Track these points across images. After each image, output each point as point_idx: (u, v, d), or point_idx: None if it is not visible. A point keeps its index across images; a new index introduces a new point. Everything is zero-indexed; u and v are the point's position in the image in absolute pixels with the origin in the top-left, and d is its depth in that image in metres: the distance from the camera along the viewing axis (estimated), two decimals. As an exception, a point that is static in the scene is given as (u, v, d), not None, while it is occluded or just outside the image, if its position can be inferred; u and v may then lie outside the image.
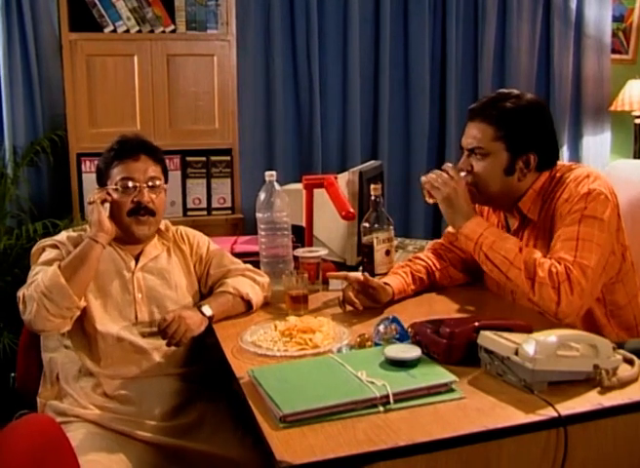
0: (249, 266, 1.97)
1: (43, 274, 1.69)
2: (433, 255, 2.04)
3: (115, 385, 1.74)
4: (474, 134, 1.82)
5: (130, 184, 1.81)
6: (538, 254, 1.69)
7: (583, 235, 1.67)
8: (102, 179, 1.86)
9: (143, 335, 1.79)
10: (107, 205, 1.79)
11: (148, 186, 1.83)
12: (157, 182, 1.85)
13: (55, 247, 1.82)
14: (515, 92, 1.85)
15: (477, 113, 1.83)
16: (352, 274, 1.89)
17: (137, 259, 1.87)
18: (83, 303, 1.72)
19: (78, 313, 1.72)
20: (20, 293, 1.71)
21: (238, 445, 1.67)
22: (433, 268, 2.00)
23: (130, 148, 1.84)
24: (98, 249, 1.73)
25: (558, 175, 1.82)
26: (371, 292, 1.83)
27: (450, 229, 2.04)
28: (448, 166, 1.86)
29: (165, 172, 1.92)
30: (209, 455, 1.65)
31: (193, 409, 1.75)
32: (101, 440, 1.63)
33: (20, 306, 1.70)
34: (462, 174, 1.85)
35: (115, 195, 1.81)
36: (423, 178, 1.88)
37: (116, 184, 1.81)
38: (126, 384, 1.74)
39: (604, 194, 1.72)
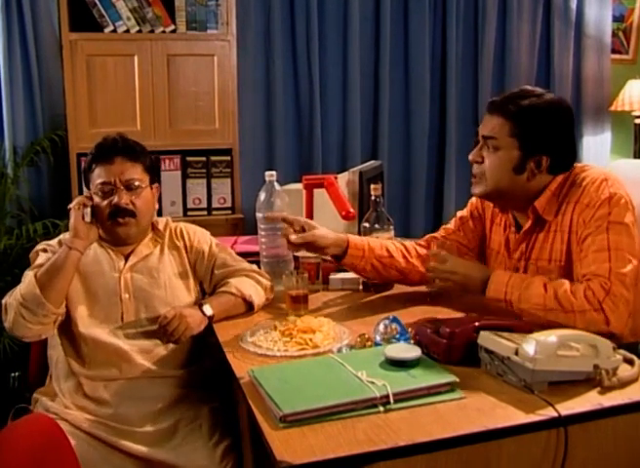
0: (254, 267, 1.97)
1: (22, 282, 1.72)
2: (422, 245, 1.98)
3: (94, 387, 1.74)
4: (491, 125, 1.77)
5: (107, 188, 1.81)
6: (565, 284, 1.63)
7: (614, 243, 1.63)
8: (87, 183, 1.88)
9: (128, 337, 1.79)
10: (88, 210, 1.79)
11: (126, 188, 1.82)
12: (135, 183, 1.83)
13: (45, 251, 1.83)
14: (539, 90, 1.81)
15: (497, 106, 1.78)
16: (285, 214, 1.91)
17: (127, 259, 1.86)
18: (62, 309, 1.73)
19: (61, 318, 1.73)
20: (3, 301, 1.73)
21: (206, 455, 1.65)
22: (412, 253, 1.95)
23: (105, 151, 1.84)
24: (73, 255, 1.73)
25: (572, 176, 1.78)
26: (309, 237, 1.83)
27: (448, 225, 2.02)
28: (431, 253, 1.80)
29: (149, 169, 1.90)
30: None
31: (171, 414, 1.73)
32: (74, 440, 1.61)
33: (2, 314, 1.72)
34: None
35: (96, 199, 1.81)
36: (428, 287, 1.85)
37: (95, 188, 1.82)
38: (105, 386, 1.74)
39: (624, 198, 1.69)
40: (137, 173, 1.85)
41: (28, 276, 1.72)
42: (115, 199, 1.80)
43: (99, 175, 1.82)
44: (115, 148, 1.84)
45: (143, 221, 1.87)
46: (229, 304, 1.82)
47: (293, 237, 1.83)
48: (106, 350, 1.76)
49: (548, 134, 1.74)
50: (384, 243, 1.95)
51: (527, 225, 1.81)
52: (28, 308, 1.66)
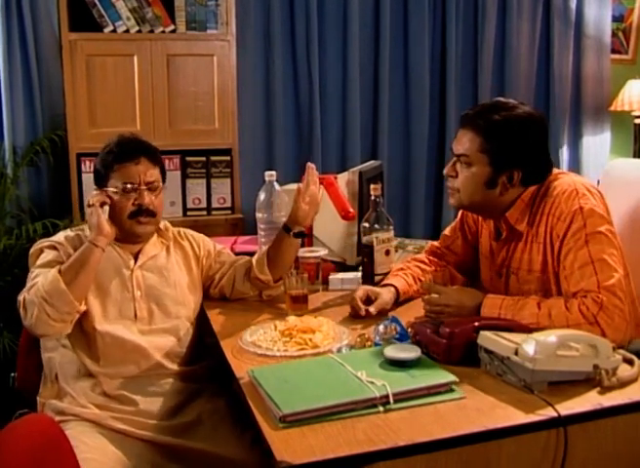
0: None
1: (43, 278, 1.68)
2: (433, 258, 2.03)
3: (115, 385, 1.74)
4: (463, 141, 1.76)
5: (130, 188, 1.81)
6: (559, 301, 1.62)
7: (596, 255, 1.62)
8: (102, 181, 1.84)
9: (143, 333, 1.79)
10: (107, 207, 1.78)
11: (148, 188, 1.83)
12: (156, 184, 1.86)
13: (53, 248, 1.81)
14: (512, 103, 1.77)
15: (468, 120, 1.77)
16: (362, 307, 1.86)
17: (135, 258, 1.87)
18: (83, 307, 1.72)
19: (78, 316, 1.72)
20: (20, 298, 1.70)
21: (236, 443, 1.67)
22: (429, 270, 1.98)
23: (130, 151, 1.83)
24: (97, 253, 1.72)
25: (545, 185, 1.77)
26: (380, 306, 1.83)
27: (446, 232, 2.04)
28: (424, 286, 1.81)
29: (163, 172, 1.92)
30: (208, 454, 1.65)
31: (192, 407, 1.75)
32: (100, 438, 1.63)
33: (21, 311, 1.69)
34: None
35: (115, 197, 1.80)
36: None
37: (116, 187, 1.81)
38: (125, 383, 1.74)
39: (595, 208, 1.67)
40: (156, 174, 1.87)
41: (50, 273, 1.68)
42: (139, 199, 1.81)
43: (121, 175, 1.81)
44: (140, 148, 1.85)
45: (159, 221, 1.91)
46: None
47: (371, 309, 1.80)
48: (124, 347, 1.76)
49: (519, 148, 1.72)
50: (416, 273, 1.96)
51: (503, 235, 1.82)
52: (53, 305, 1.64)
